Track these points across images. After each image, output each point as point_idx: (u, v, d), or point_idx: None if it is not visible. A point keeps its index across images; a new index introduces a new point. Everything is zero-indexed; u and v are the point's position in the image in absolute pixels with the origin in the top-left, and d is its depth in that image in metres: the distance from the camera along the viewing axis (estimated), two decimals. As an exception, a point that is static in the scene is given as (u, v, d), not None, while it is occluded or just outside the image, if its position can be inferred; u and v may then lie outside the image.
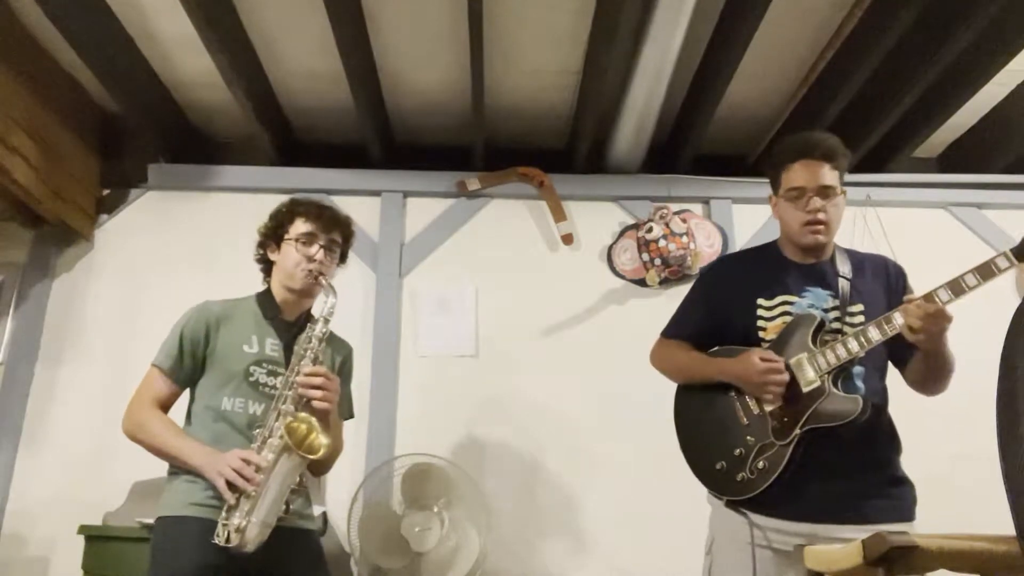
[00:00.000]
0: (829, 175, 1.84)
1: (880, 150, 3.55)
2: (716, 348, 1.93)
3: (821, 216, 1.82)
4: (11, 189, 2.98)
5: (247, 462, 1.69)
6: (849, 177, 3.58)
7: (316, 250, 1.95)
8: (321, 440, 1.78)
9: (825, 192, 1.83)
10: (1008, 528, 1.16)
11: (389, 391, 3.28)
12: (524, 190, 3.63)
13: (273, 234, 2.01)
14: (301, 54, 3.15)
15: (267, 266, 2.04)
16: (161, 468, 1.86)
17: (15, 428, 3.19)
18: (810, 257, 1.89)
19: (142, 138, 3.52)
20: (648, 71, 2.89)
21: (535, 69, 3.24)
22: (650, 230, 3.47)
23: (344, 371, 2.08)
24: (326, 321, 1.89)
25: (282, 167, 3.58)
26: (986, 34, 2.85)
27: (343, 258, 2.07)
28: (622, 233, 3.55)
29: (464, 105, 3.37)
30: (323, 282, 1.92)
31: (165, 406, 1.87)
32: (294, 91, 3.40)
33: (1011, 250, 1.58)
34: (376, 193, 3.59)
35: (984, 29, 2.80)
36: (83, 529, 2.57)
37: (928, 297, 1.62)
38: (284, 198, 2.08)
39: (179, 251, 3.48)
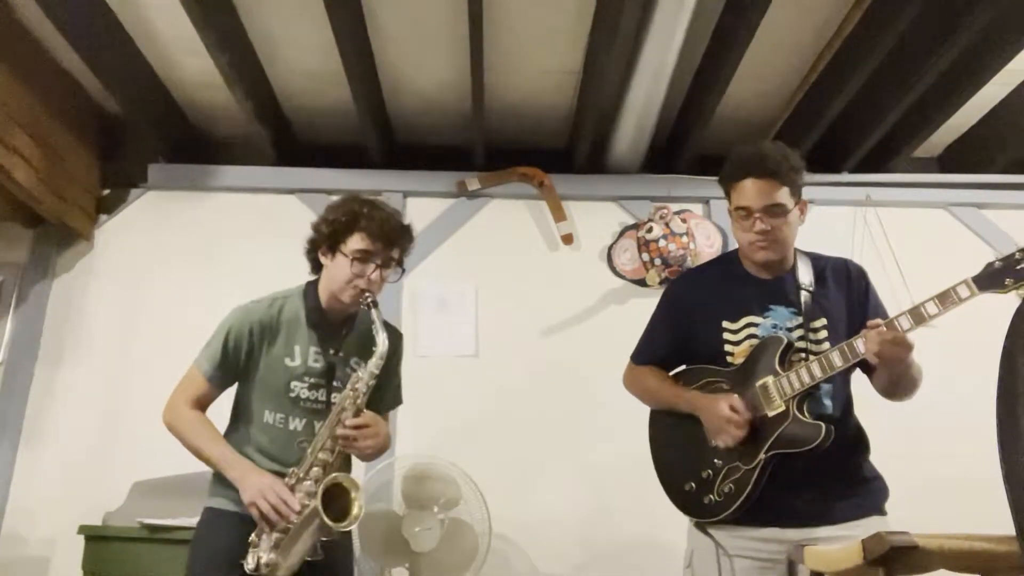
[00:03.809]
0: (777, 193, 1.77)
1: (880, 150, 3.54)
2: (684, 368, 1.96)
3: (768, 237, 1.79)
4: (11, 189, 2.98)
5: (284, 502, 1.70)
6: (849, 177, 3.66)
7: (372, 269, 1.86)
8: (355, 509, 1.73)
9: (773, 211, 1.77)
10: (1008, 528, 1.16)
11: (389, 391, 3.28)
12: (524, 190, 3.62)
13: (328, 240, 1.89)
14: (301, 54, 3.15)
15: (315, 263, 1.96)
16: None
17: (15, 428, 3.19)
18: (770, 272, 1.86)
19: (142, 138, 3.51)
20: (648, 71, 2.89)
21: (535, 69, 3.24)
22: (650, 230, 3.47)
23: (394, 361, 2.01)
24: (372, 376, 1.81)
25: (282, 167, 3.57)
26: (986, 34, 2.86)
27: (399, 264, 1.97)
28: (622, 233, 3.54)
29: (464, 105, 3.37)
30: (375, 317, 1.82)
31: (203, 405, 1.89)
32: (294, 91, 3.40)
33: (972, 278, 1.54)
34: (376, 193, 3.56)
35: (984, 29, 2.80)
36: (83, 529, 2.57)
37: (890, 324, 1.61)
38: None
39: (179, 251, 3.47)
